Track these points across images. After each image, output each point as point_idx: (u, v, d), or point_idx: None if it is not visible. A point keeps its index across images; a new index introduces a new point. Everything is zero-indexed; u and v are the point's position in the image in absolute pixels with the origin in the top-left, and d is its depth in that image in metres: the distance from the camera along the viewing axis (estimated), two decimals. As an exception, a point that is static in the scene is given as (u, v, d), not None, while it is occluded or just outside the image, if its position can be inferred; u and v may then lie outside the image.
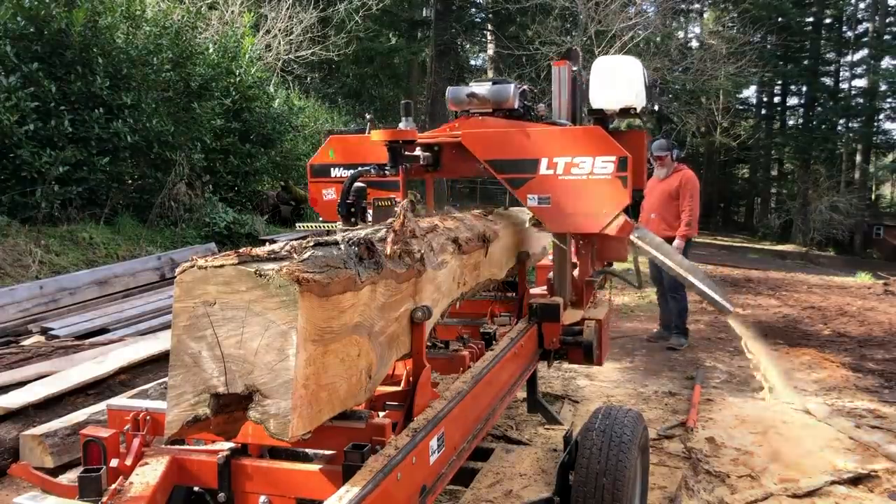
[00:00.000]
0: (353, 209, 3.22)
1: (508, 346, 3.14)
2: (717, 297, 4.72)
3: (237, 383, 1.72)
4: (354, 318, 2.02)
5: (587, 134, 3.47)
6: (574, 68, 4.06)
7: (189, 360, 1.74)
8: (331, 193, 4.02)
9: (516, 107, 3.81)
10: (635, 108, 3.92)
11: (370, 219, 3.15)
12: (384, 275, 2.22)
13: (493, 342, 3.27)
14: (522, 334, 3.41)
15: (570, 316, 3.86)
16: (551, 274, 4.08)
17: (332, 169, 4.04)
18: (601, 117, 3.98)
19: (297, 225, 4.26)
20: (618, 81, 3.90)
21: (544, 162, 3.44)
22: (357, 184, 3.28)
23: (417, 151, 3.69)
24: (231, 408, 1.76)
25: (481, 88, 3.85)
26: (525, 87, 4.00)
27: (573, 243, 4.19)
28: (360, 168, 3.37)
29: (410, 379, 2.50)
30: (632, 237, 4.08)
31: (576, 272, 4.21)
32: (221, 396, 1.74)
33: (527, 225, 3.99)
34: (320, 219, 4.17)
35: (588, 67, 4.25)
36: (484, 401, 2.75)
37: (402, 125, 3.46)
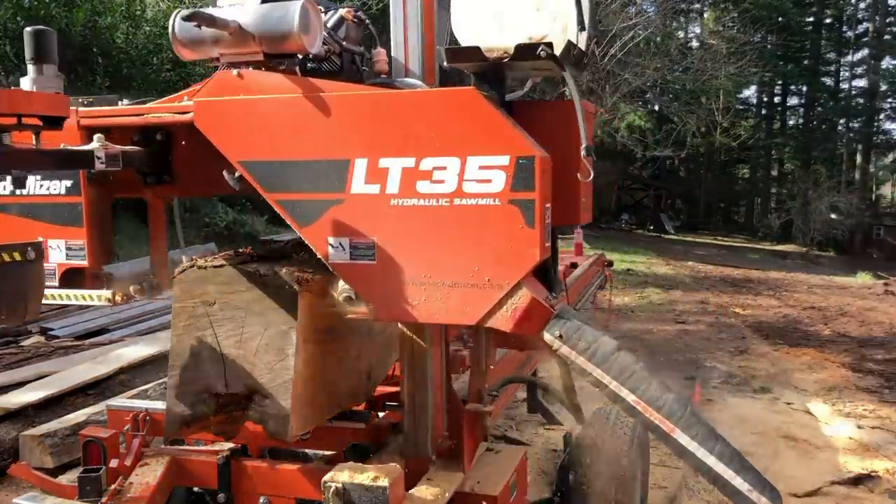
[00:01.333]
0: None
1: None
2: (739, 481, 1.75)
3: (237, 383, 1.73)
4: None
5: (451, 105, 1.74)
6: None
7: (189, 360, 1.74)
8: None
9: (315, 51, 1.89)
10: (550, 46, 1.84)
11: None
12: (384, 275, 2.22)
13: None
14: None
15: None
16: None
17: None
18: (481, 70, 1.98)
19: None
20: None
21: (360, 167, 1.76)
22: None
23: (94, 143, 1.90)
24: (230, 407, 1.77)
25: (238, 12, 1.88)
26: (345, 10, 2.13)
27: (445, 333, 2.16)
28: None
29: (410, 379, 2.49)
30: (547, 335, 1.75)
31: (461, 384, 2.36)
32: (221, 396, 1.74)
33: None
34: None
35: None
36: None
37: (25, 82, 1.77)
